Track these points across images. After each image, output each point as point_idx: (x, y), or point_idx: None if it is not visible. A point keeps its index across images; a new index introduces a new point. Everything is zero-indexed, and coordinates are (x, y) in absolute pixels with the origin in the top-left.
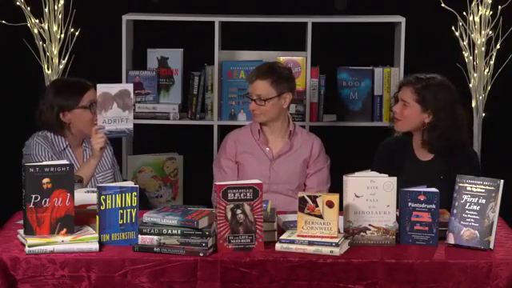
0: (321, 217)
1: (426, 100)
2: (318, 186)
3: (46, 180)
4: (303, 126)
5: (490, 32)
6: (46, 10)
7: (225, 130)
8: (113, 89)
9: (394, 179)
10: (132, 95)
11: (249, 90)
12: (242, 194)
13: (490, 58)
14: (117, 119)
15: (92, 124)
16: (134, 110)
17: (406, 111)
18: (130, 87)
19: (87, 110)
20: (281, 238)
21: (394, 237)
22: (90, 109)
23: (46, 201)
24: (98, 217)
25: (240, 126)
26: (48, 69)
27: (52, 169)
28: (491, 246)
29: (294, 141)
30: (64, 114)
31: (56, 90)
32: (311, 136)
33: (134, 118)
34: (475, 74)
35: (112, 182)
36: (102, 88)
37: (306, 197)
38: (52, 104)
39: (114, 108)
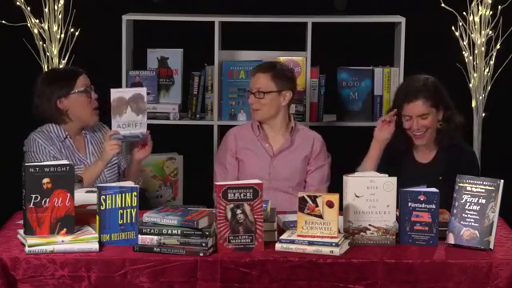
0: (321, 217)
1: (437, 100)
2: (318, 183)
3: (46, 180)
4: None
5: (490, 32)
6: (46, 10)
7: (225, 130)
8: (127, 93)
9: (394, 179)
10: (146, 99)
11: (250, 85)
12: (242, 194)
13: (490, 58)
14: (131, 123)
15: (89, 108)
16: None
17: (427, 121)
18: (143, 91)
19: (83, 93)
20: (281, 238)
21: (393, 237)
22: (86, 93)
23: (45, 201)
24: (98, 217)
25: None
26: (48, 69)
27: (52, 169)
28: (491, 246)
29: (294, 137)
30: (61, 101)
31: (49, 81)
32: (312, 133)
33: None
34: (475, 74)
35: (117, 169)
36: (116, 93)
37: (306, 197)
38: (47, 94)
39: (128, 112)
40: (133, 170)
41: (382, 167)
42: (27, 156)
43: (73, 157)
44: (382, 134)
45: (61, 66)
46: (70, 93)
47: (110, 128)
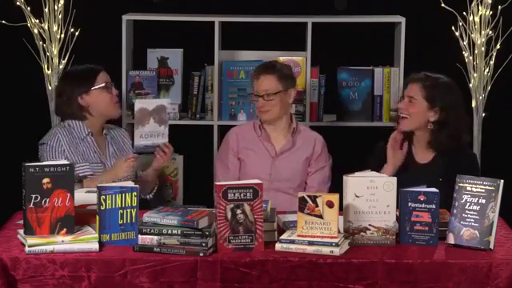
0: (321, 217)
1: (435, 97)
2: (319, 184)
3: (46, 180)
4: None
5: (490, 32)
6: (46, 10)
7: (225, 130)
8: (150, 104)
9: (394, 179)
10: (167, 110)
11: (254, 88)
12: (242, 194)
13: (490, 58)
14: (153, 134)
15: (112, 102)
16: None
17: (413, 108)
18: (166, 102)
19: (103, 89)
20: (281, 238)
21: (393, 237)
22: (107, 89)
23: (45, 201)
24: (98, 217)
25: None
26: (48, 69)
27: (52, 169)
28: (491, 246)
29: (296, 138)
30: (82, 97)
31: (69, 79)
32: (314, 134)
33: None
34: (475, 74)
35: (135, 177)
36: (140, 104)
37: (306, 197)
38: (68, 93)
39: (150, 123)
40: (149, 178)
41: (380, 166)
42: (42, 148)
43: (93, 155)
44: (396, 159)
45: (78, 66)
46: (91, 89)
47: (133, 136)
